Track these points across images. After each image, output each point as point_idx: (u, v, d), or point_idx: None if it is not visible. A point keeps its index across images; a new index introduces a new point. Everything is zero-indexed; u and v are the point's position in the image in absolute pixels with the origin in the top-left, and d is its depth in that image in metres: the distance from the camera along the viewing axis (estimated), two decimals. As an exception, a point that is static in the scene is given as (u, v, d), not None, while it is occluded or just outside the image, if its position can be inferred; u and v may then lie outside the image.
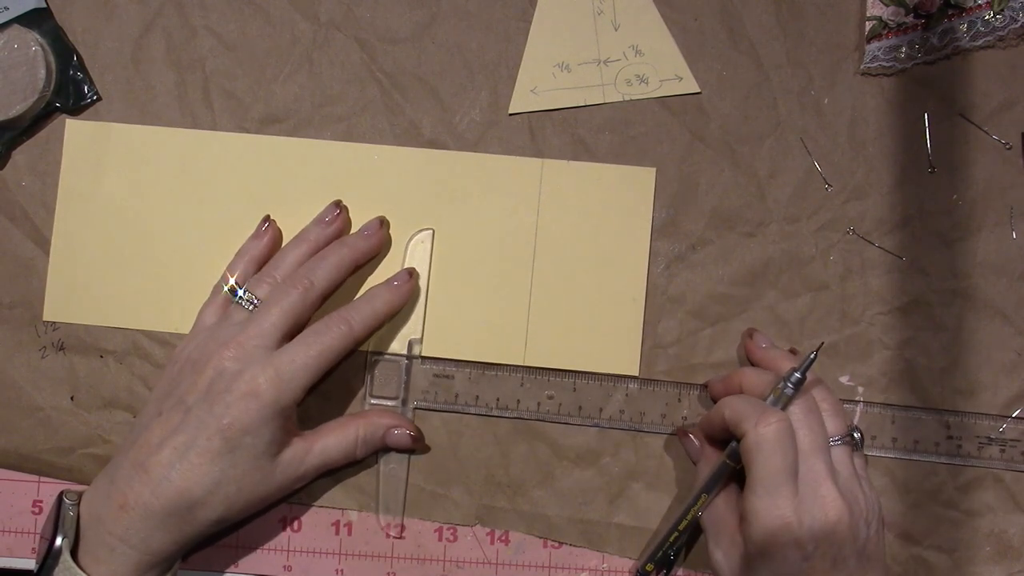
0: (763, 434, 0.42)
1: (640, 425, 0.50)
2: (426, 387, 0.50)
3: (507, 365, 0.50)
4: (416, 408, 0.50)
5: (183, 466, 0.43)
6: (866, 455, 0.49)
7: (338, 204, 0.50)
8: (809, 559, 0.42)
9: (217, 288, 0.49)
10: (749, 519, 0.43)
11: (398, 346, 0.50)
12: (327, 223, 0.49)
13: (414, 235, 0.50)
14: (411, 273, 0.49)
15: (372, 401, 0.50)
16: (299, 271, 0.47)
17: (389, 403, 0.50)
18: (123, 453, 0.45)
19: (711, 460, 0.47)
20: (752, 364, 0.49)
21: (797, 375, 0.44)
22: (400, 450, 0.50)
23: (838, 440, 0.44)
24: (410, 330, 0.50)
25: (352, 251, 0.48)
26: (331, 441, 0.47)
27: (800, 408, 0.44)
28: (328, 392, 0.50)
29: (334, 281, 0.47)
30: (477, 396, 0.50)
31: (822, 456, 0.43)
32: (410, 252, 0.50)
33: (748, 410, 0.44)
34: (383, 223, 0.50)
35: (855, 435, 0.45)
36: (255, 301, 0.47)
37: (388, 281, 0.49)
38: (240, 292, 0.47)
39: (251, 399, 0.44)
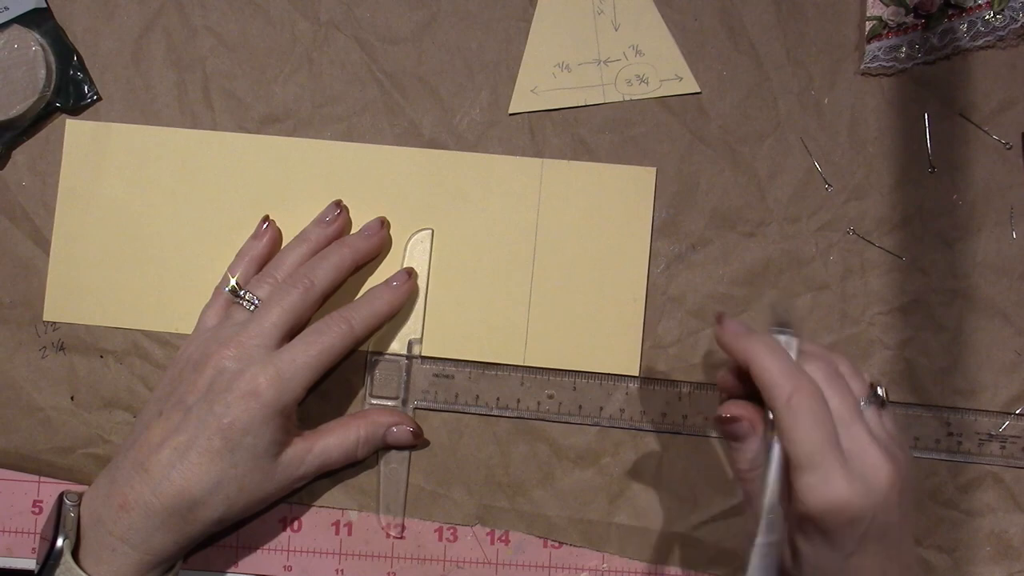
0: (798, 406, 0.39)
1: (641, 424, 0.50)
2: (426, 387, 0.50)
3: (507, 365, 0.50)
4: (416, 408, 0.50)
5: (183, 466, 0.43)
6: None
7: (338, 204, 0.50)
8: (864, 536, 0.39)
9: (218, 290, 0.49)
10: (800, 498, 0.39)
11: (398, 346, 0.50)
12: (327, 223, 0.49)
13: (413, 235, 0.50)
14: (410, 273, 0.49)
15: (372, 401, 0.50)
16: (300, 271, 0.47)
17: (389, 403, 0.50)
18: (123, 453, 0.45)
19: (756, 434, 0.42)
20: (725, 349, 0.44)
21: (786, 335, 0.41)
22: (401, 447, 0.50)
23: (864, 401, 0.42)
24: (410, 330, 0.50)
25: (353, 251, 0.48)
26: (332, 441, 0.47)
27: (823, 374, 0.41)
28: (328, 392, 0.50)
29: (334, 281, 0.47)
30: (477, 395, 0.50)
31: (860, 421, 0.40)
32: (409, 252, 0.50)
33: (777, 375, 0.40)
34: (384, 223, 0.50)
35: (879, 391, 0.42)
36: (256, 301, 0.47)
37: (387, 281, 0.49)
38: (241, 292, 0.47)
39: (251, 398, 0.44)
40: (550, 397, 0.50)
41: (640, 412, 0.50)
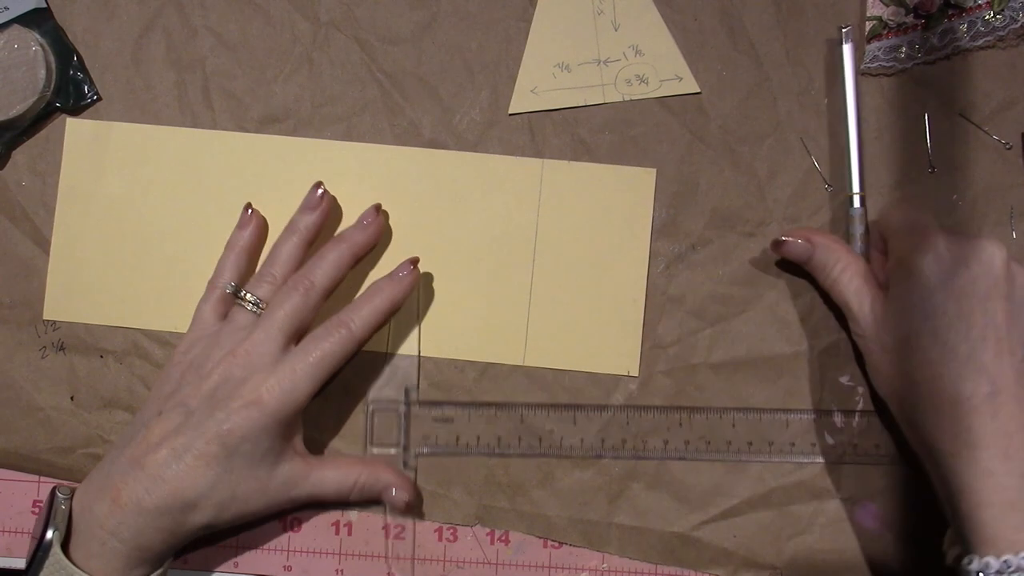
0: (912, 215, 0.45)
1: (644, 452, 0.49)
2: (427, 432, 0.50)
3: (504, 404, 0.50)
4: (419, 455, 0.50)
5: (179, 467, 0.43)
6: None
7: (319, 185, 0.49)
8: (951, 287, 0.42)
9: (212, 284, 0.49)
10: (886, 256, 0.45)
11: (394, 393, 0.50)
12: (313, 210, 0.49)
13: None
14: (414, 263, 0.49)
15: (374, 450, 0.50)
16: (299, 273, 0.47)
17: (391, 451, 0.50)
18: (119, 449, 0.46)
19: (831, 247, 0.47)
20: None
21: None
22: (395, 508, 0.49)
23: None
24: (406, 378, 0.50)
25: (351, 246, 0.48)
26: (330, 475, 0.47)
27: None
28: (328, 392, 0.50)
29: (335, 279, 0.47)
30: (478, 436, 0.50)
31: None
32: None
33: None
34: (379, 210, 0.49)
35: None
36: (256, 302, 0.47)
37: (391, 273, 0.48)
38: (241, 293, 0.47)
39: (253, 408, 0.44)
40: (551, 432, 0.50)
41: (642, 442, 0.50)
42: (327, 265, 0.47)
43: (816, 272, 0.48)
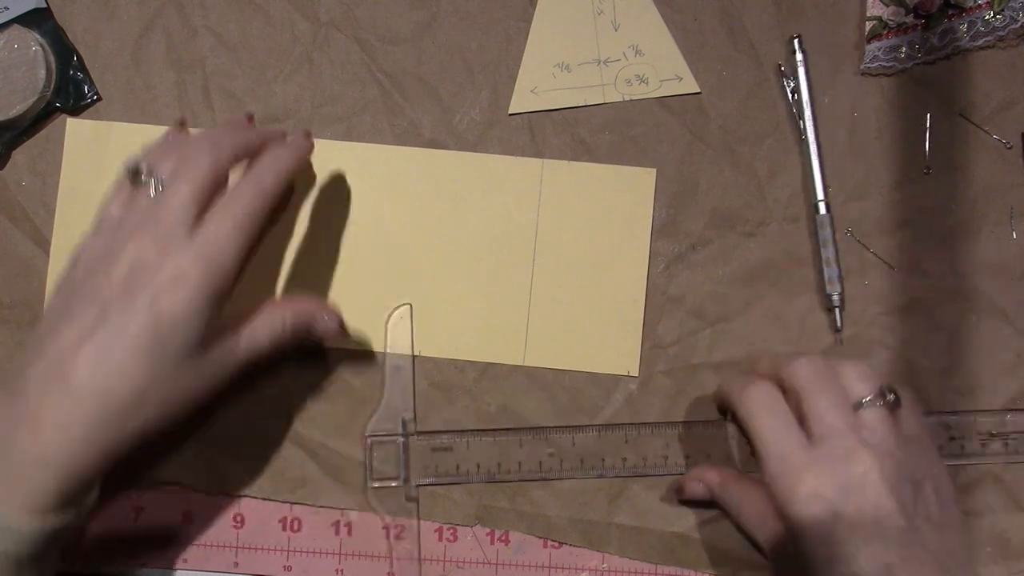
0: (750, 397, 0.44)
1: (644, 469, 0.49)
2: (426, 462, 0.50)
3: (504, 429, 0.50)
4: (419, 486, 0.50)
5: (108, 368, 0.38)
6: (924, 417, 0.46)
7: (250, 118, 0.47)
8: (839, 518, 0.40)
9: (119, 181, 0.43)
10: (770, 490, 0.42)
11: (391, 425, 0.50)
12: (237, 130, 0.44)
13: (392, 312, 0.50)
14: (307, 135, 0.46)
15: (374, 484, 0.50)
16: (202, 138, 0.42)
17: (392, 484, 0.50)
18: (23, 371, 0.39)
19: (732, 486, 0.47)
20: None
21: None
22: (330, 338, 0.45)
23: (867, 401, 0.43)
24: (402, 409, 0.50)
25: (259, 133, 0.44)
26: (258, 324, 0.42)
27: (805, 372, 0.44)
28: (329, 393, 0.50)
29: (241, 148, 0.42)
30: (478, 464, 0.50)
31: (840, 414, 0.42)
32: (391, 331, 0.50)
33: (734, 384, 0.46)
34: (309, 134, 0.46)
35: (889, 396, 0.42)
36: (163, 180, 0.40)
37: (289, 142, 0.45)
38: (141, 174, 0.41)
39: (179, 287, 0.38)
40: (551, 455, 0.50)
41: (642, 458, 0.49)
42: (234, 134, 0.43)
43: (722, 509, 0.48)
